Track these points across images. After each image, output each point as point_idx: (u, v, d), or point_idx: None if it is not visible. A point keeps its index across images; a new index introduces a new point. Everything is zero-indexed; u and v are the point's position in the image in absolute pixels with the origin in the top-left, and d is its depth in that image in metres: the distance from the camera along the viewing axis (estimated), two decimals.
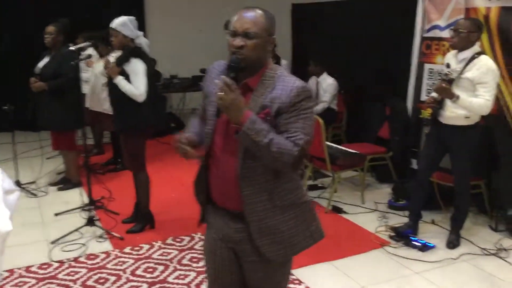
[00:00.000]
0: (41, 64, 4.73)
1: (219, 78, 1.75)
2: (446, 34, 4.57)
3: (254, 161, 1.78)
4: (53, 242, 3.85)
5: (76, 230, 3.98)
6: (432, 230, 4.08)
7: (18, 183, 5.01)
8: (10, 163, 5.35)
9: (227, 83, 1.68)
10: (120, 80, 3.67)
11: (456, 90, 3.47)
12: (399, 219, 4.23)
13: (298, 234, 1.91)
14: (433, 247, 3.75)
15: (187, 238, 3.90)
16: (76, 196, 4.62)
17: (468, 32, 3.46)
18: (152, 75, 3.85)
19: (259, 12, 1.79)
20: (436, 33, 4.76)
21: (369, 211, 4.50)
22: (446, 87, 3.47)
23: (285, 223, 1.87)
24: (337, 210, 4.49)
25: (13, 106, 4.84)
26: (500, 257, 3.60)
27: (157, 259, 3.61)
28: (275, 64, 1.87)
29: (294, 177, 1.90)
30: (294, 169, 1.82)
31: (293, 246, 1.91)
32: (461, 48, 3.54)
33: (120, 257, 3.64)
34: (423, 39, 4.93)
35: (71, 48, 4.17)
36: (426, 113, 4.79)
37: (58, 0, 7.25)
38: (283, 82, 1.77)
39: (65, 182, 5.15)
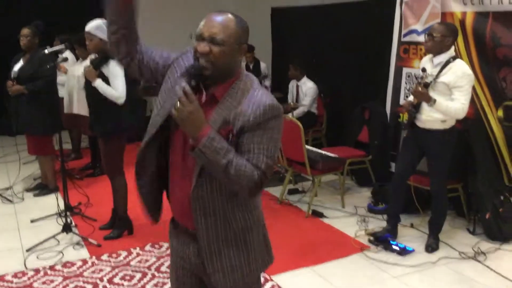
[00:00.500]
0: (16, 67, 4.64)
1: (181, 80, 1.61)
2: (423, 38, 4.62)
3: (210, 181, 1.62)
4: (28, 250, 3.76)
5: (53, 237, 3.90)
6: (411, 234, 4.11)
7: None
8: None
9: (186, 93, 1.50)
10: (99, 83, 3.62)
11: (432, 94, 3.51)
12: (379, 223, 4.25)
13: (251, 262, 1.75)
14: (412, 251, 3.77)
15: (166, 244, 3.85)
16: (53, 202, 4.52)
17: (442, 37, 3.50)
18: (130, 78, 3.80)
19: (230, 16, 1.61)
20: (413, 38, 4.82)
21: (349, 215, 4.52)
22: (423, 91, 3.50)
23: (238, 249, 1.72)
24: (317, 214, 4.50)
25: None
26: (479, 261, 3.64)
27: (135, 266, 3.56)
28: (248, 75, 1.70)
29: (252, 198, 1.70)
30: (251, 195, 1.61)
31: (245, 275, 1.74)
32: (435, 52, 3.58)
33: (97, 264, 3.57)
34: (401, 43, 4.98)
35: (46, 50, 4.10)
36: (405, 117, 4.85)
37: (34, 2, 7.16)
38: (251, 97, 1.60)
39: (41, 188, 5.06)
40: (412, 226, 4.24)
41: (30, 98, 4.55)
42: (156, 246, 3.85)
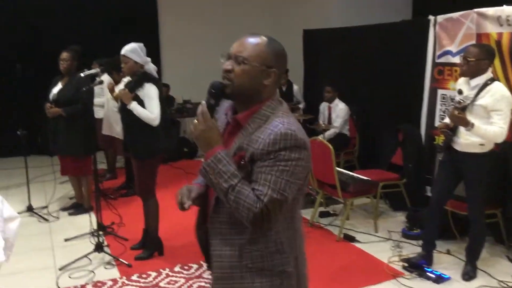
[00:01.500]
0: (55, 90, 4.80)
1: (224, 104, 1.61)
2: (458, 59, 4.54)
3: (227, 208, 1.53)
4: (61, 269, 3.83)
5: (85, 256, 3.96)
6: (447, 261, 3.96)
7: (30, 208, 5.05)
8: (23, 187, 5.41)
9: (202, 112, 1.50)
10: (134, 105, 3.69)
11: (470, 117, 3.41)
12: (414, 249, 4.12)
13: None
14: (448, 278, 3.63)
15: (195, 266, 3.84)
16: (87, 221, 4.61)
17: (477, 60, 3.41)
18: (164, 100, 3.87)
19: (262, 38, 1.57)
20: (448, 59, 4.73)
21: (382, 240, 4.40)
22: (460, 115, 3.40)
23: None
24: (349, 238, 4.40)
25: (26, 131, 4.90)
26: None
27: (164, 287, 3.56)
28: (279, 102, 1.61)
29: (273, 238, 1.57)
30: (253, 227, 1.51)
31: None
32: (471, 76, 3.49)
33: (127, 284, 3.59)
34: (435, 64, 4.89)
35: (82, 74, 4.24)
36: (440, 139, 4.73)
37: (70, 27, 7.44)
38: (271, 125, 1.51)
39: (76, 207, 5.16)
40: (448, 252, 4.09)
41: (67, 120, 4.69)
42: (186, 267, 3.84)
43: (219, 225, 1.59)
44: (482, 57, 3.42)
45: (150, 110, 3.69)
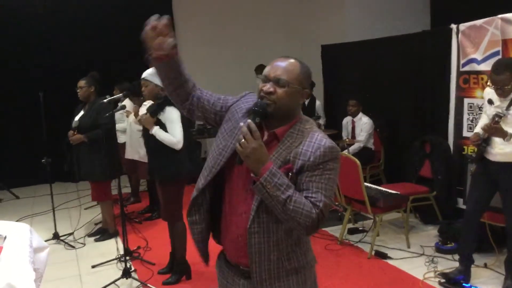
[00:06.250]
0: (77, 117, 4.83)
1: (245, 118, 1.65)
2: (483, 67, 4.44)
3: (268, 216, 1.66)
4: None
5: (113, 282, 3.90)
6: (486, 275, 3.80)
7: (56, 235, 5.04)
8: (49, 214, 5.42)
9: (251, 130, 1.58)
10: (156, 130, 3.66)
11: (504, 127, 3.29)
12: (449, 264, 3.97)
13: None
14: None
15: None
16: (113, 247, 4.59)
17: (510, 85, 3.29)
18: (186, 122, 3.84)
19: (294, 61, 1.72)
20: (473, 67, 4.62)
21: (416, 256, 4.26)
22: (497, 126, 3.28)
23: None
24: (380, 255, 4.27)
25: (50, 158, 4.93)
26: None
27: None
28: (306, 118, 1.78)
29: (305, 239, 1.77)
30: (308, 233, 1.66)
31: None
32: (507, 96, 3.38)
33: None
34: (460, 73, 4.78)
35: (104, 100, 4.24)
36: (470, 149, 4.59)
37: (90, 53, 7.55)
38: (311, 139, 1.67)
39: (102, 233, 5.14)
40: (486, 266, 3.92)
41: (90, 146, 4.71)
42: None
43: (258, 235, 1.67)
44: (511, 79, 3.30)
45: (172, 134, 3.66)
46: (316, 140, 1.66)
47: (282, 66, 1.70)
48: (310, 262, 1.81)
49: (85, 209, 5.91)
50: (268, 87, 1.68)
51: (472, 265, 3.78)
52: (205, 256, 1.91)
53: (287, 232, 1.69)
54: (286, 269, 1.72)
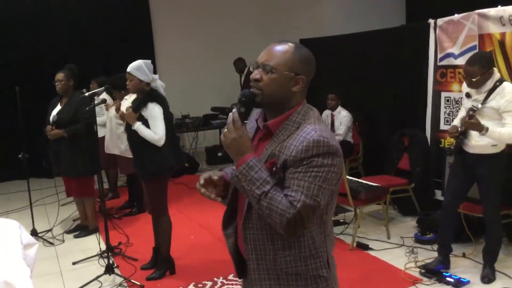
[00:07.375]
0: (54, 111, 4.72)
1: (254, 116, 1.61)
2: (460, 61, 4.54)
3: (259, 214, 1.55)
4: None
5: (95, 279, 3.86)
6: (464, 264, 3.91)
7: (34, 232, 4.94)
8: (26, 211, 5.31)
9: (234, 120, 1.52)
10: (138, 126, 3.62)
11: (481, 120, 3.38)
12: (429, 254, 4.07)
13: None
14: (467, 282, 3.57)
15: (209, 283, 3.75)
16: (94, 243, 4.52)
17: (480, 77, 3.37)
18: (169, 117, 3.80)
19: (288, 45, 1.59)
20: (450, 61, 4.72)
21: (396, 246, 4.34)
22: (474, 121, 3.36)
23: None
24: (362, 246, 4.34)
25: (27, 154, 4.82)
26: None
27: None
28: (312, 108, 1.63)
29: (307, 243, 1.58)
30: (287, 235, 1.51)
31: None
32: (479, 87, 3.46)
33: None
34: (437, 67, 4.88)
35: (84, 94, 4.17)
36: (447, 142, 4.70)
37: (67, 47, 7.41)
38: (301, 132, 1.53)
39: (81, 229, 5.06)
40: (464, 255, 4.03)
41: (70, 141, 4.61)
42: (200, 285, 3.75)
43: (252, 231, 1.60)
44: (482, 72, 3.37)
45: (154, 130, 3.62)
46: (304, 133, 1.51)
47: (271, 51, 1.58)
48: (316, 270, 1.60)
49: (62, 205, 5.80)
50: (255, 73, 1.58)
51: (451, 255, 3.88)
52: (238, 271, 1.78)
53: (277, 231, 1.57)
54: (285, 273, 1.59)
